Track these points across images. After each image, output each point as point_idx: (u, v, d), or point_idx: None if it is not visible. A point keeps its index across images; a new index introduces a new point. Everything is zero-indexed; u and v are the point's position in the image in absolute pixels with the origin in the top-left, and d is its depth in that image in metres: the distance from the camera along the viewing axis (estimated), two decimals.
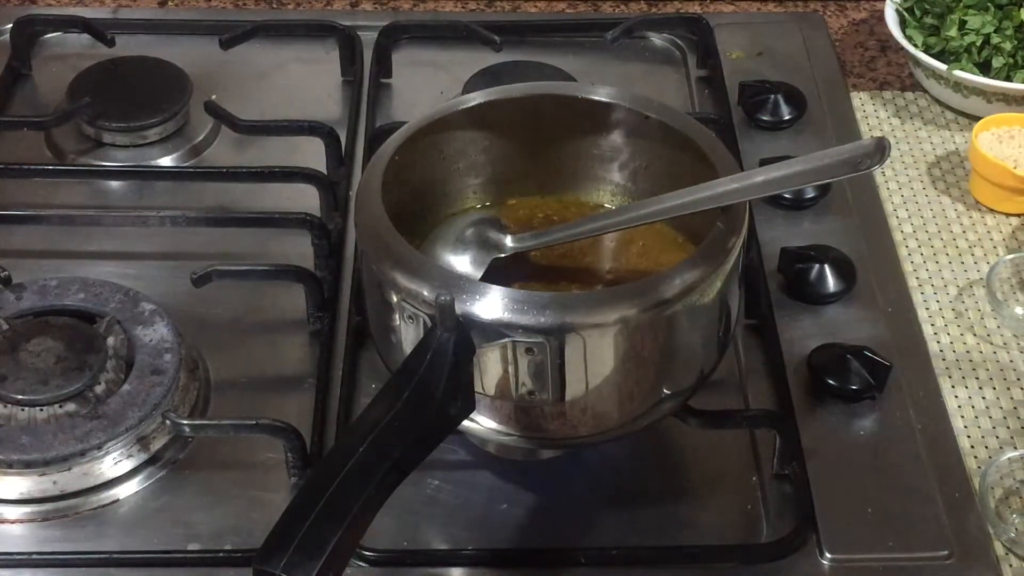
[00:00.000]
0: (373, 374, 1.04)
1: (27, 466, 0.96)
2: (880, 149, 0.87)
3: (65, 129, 1.26)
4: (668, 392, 0.92)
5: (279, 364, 1.07)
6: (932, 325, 1.11)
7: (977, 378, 1.07)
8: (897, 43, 1.30)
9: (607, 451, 1.00)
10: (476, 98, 1.02)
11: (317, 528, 0.73)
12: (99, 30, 1.34)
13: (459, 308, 0.83)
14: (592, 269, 1.00)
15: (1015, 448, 1.02)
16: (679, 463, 1.01)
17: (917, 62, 1.30)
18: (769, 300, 1.09)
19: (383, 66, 1.33)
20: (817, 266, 1.10)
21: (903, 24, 1.32)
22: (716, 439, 1.01)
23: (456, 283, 0.86)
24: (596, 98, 1.01)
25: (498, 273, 0.97)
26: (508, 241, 0.98)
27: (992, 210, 1.21)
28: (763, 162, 1.19)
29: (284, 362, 1.08)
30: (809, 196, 1.17)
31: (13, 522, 0.96)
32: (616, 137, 1.02)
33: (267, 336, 1.09)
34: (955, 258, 1.17)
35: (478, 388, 0.86)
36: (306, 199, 1.16)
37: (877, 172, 1.24)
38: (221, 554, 0.94)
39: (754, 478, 0.99)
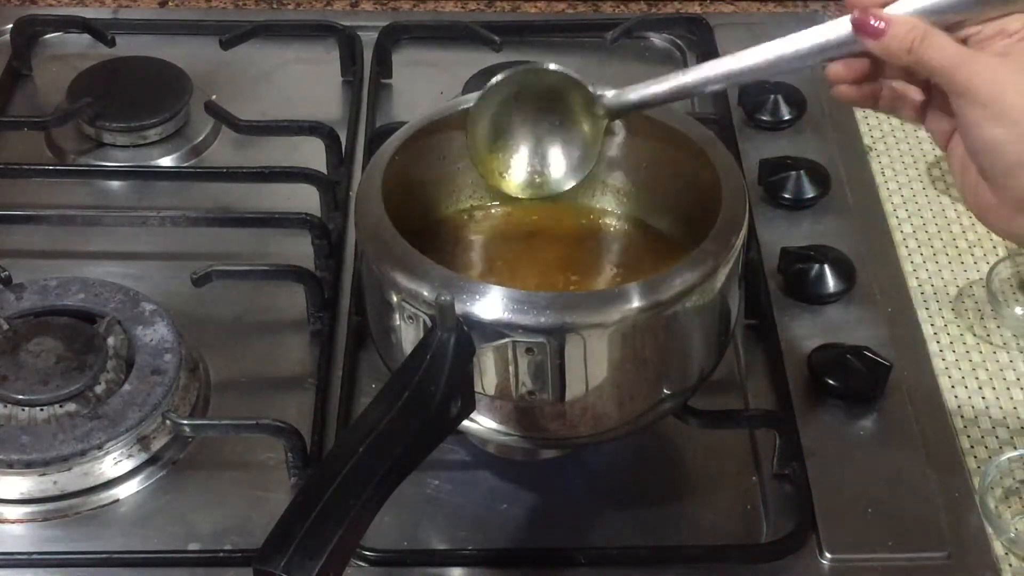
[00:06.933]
0: (373, 374, 1.04)
1: (27, 466, 0.96)
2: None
3: (65, 129, 1.26)
4: (668, 392, 0.92)
5: (279, 364, 1.07)
6: (932, 325, 1.11)
7: (977, 378, 1.07)
8: None
9: (607, 451, 1.00)
10: (476, 98, 1.02)
11: (317, 528, 0.73)
12: (99, 30, 1.34)
13: (459, 308, 0.83)
14: (596, 268, 1.00)
15: (1015, 448, 1.01)
16: (679, 463, 1.01)
17: None
18: (769, 300, 1.09)
19: (383, 66, 1.33)
20: (817, 266, 1.10)
21: None
22: (716, 439, 1.01)
23: (456, 283, 0.86)
24: None
25: (501, 270, 0.97)
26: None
27: None
28: (763, 163, 1.20)
29: (284, 362, 1.08)
30: (809, 196, 1.17)
31: (13, 522, 0.96)
32: (616, 137, 1.02)
33: (267, 336, 1.09)
34: (955, 258, 1.17)
35: (478, 388, 0.86)
36: (306, 199, 1.16)
37: (877, 172, 1.24)
38: (221, 554, 0.94)
39: (754, 478, 0.99)
